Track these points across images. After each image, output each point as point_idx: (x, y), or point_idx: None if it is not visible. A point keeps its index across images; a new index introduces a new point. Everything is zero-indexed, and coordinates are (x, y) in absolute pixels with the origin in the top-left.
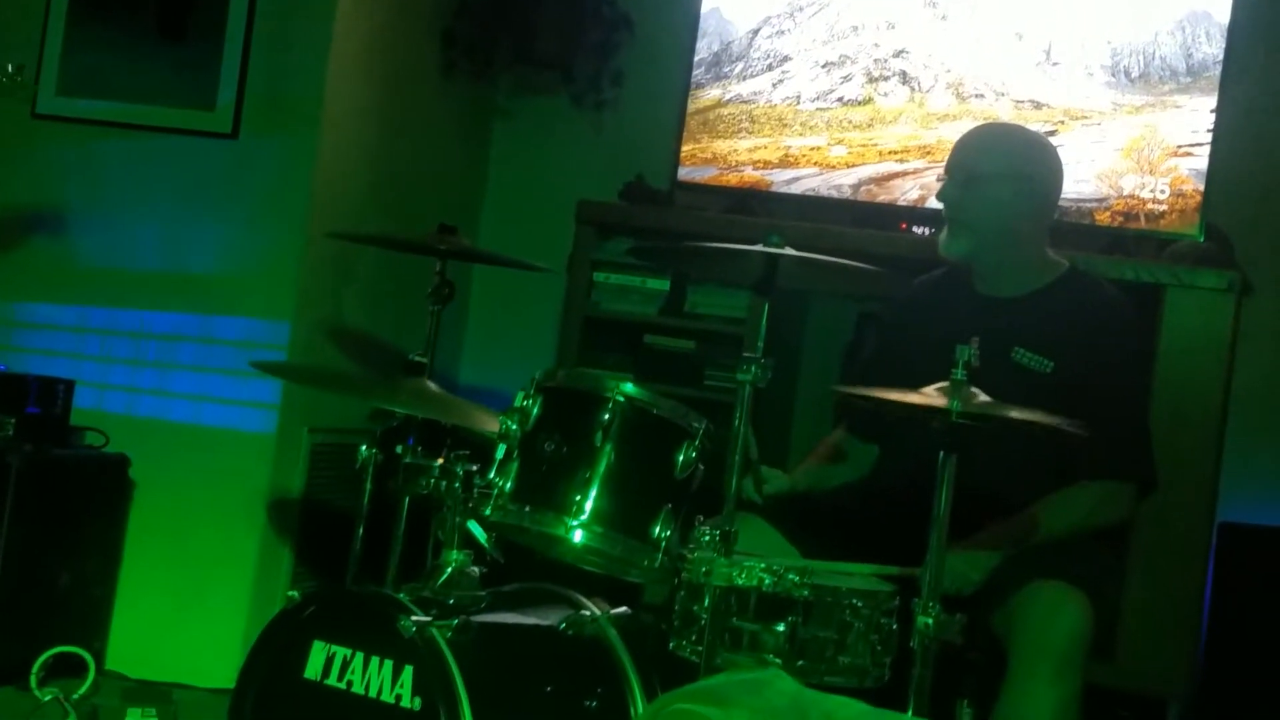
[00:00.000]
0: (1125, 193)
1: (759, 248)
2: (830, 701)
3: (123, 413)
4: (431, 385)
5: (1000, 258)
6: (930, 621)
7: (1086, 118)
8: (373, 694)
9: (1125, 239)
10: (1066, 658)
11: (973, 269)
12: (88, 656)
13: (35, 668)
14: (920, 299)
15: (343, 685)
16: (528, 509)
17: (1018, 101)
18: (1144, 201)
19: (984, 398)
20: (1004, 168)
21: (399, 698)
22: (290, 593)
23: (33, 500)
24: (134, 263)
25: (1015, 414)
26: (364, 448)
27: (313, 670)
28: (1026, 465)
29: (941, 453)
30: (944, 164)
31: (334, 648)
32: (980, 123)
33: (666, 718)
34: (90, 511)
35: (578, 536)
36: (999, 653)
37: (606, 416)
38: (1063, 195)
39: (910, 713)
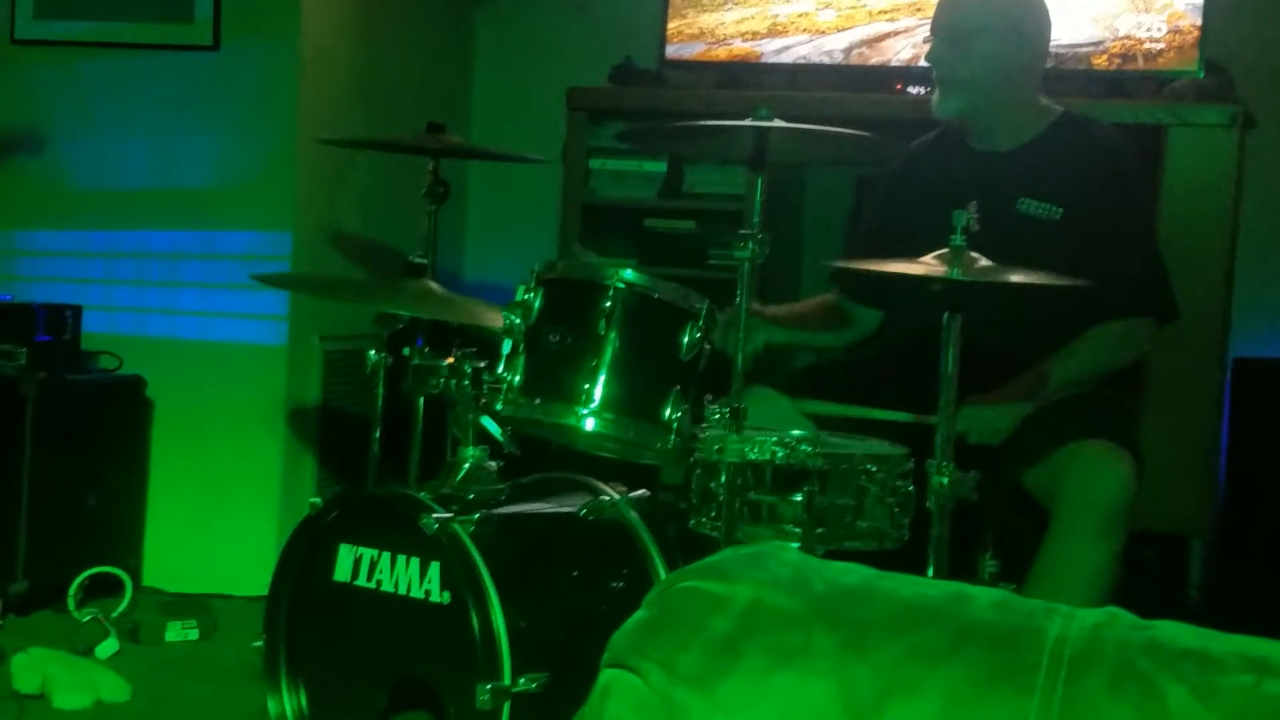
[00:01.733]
0: (1121, 34)
1: (748, 123)
2: (833, 568)
3: (134, 334)
4: (434, 285)
5: (995, 112)
6: (945, 480)
7: None
8: (402, 591)
9: (1124, 81)
10: (1111, 516)
11: (968, 126)
12: (123, 575)
13: (72, 589)
14: (917, 162)
15: (373, 585)
16: (538, 401)
17: None
18: (1141, 41)
19: (984, 262)
20: (990, 20)
21: (428, 593)
22: (312, 499)
23: (52, 427)
24: (129, 183)
25: (1016, 278)
26: (372, 353)
27: (342, 572)
28: (1041, 316)
29: (945, 314)
30: (931, 23)
31: (360, 549)
32: None
33: (672, 596)
34: (111, 433)
35: (589, 424)
36: (1032, 508)
37: (608, 304)
38: (1059, 41)
39: (931, 570)
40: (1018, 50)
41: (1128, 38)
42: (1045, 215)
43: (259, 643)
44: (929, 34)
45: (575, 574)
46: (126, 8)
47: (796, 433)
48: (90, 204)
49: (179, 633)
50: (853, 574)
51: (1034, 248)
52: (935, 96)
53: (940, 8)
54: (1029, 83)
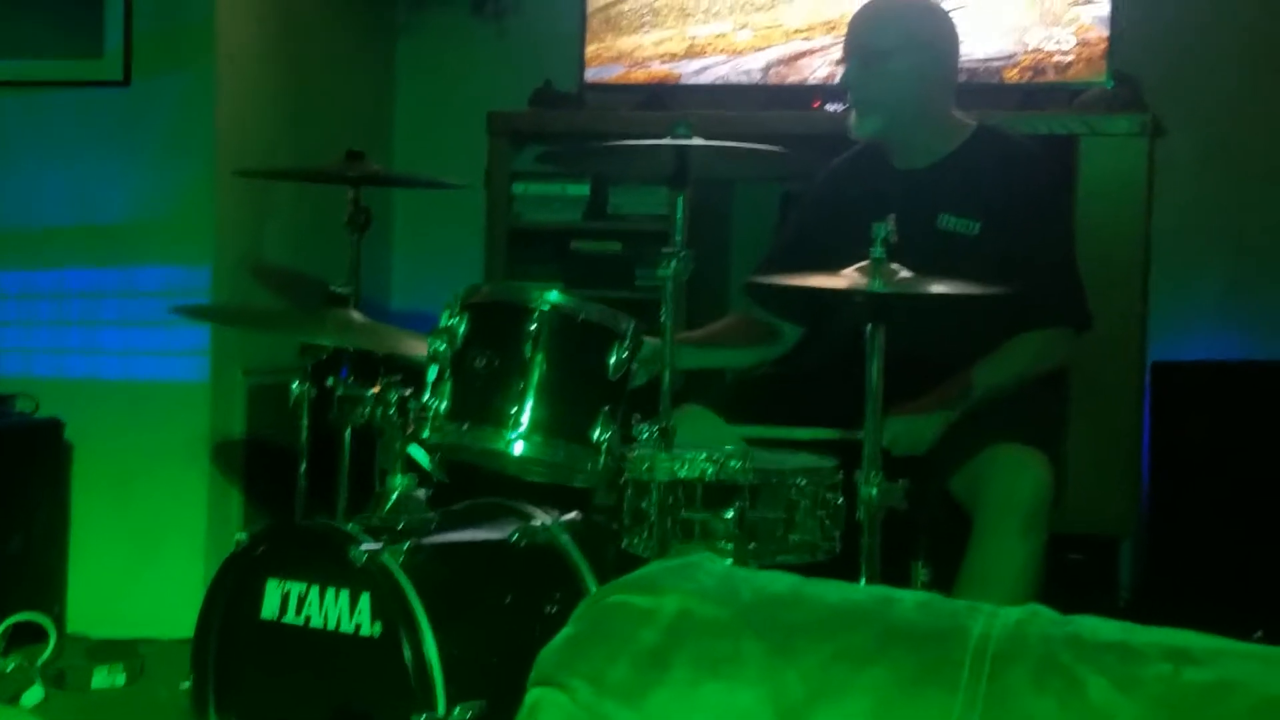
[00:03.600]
0: (1031, 47)
1: (667, 141)
2: (760, 577)
3: (51, 376)
4: (357, 315)
5: (912, 130)
6: (874, 491)
7: None
8: (332, 626)
9: (1036, 93)
10: (1032, 515)
11: (887, 144)
12: (47, 622)
13: None
14: (838, 179)
15: (301, 621)
16: (465, 427)
17: None
18: (1050, 54)
19: (905, 273)
20: (901, 40)
21: (358, 626)
22: (238, 535)
23: None
24: (44, 221)
25: (936, 288)
26: (295, 385)
27: (269, 609)
28: (962, 327)
29: (869, 325)
30: (843, 47)
31: (288, 584)
32: None
33: (599, 610)
34: (31, 478)
35: (518, 448)
36: (960, 514)
37: (534, 326)
38: (972, 55)
39: (863, 580)
40: (931, 67)
41: (1038, 51)
42: (964, 230)
43: (187, 684)
44: (842, 57)
45: (508, 600)
46: (32, 45)
47: (726, 448)
48: (4, 245)
49: (106, 678)
50: (780, 581)
51: (955, 263)
52: (852, 118)
53: (852, 31)
54: (943, 98)
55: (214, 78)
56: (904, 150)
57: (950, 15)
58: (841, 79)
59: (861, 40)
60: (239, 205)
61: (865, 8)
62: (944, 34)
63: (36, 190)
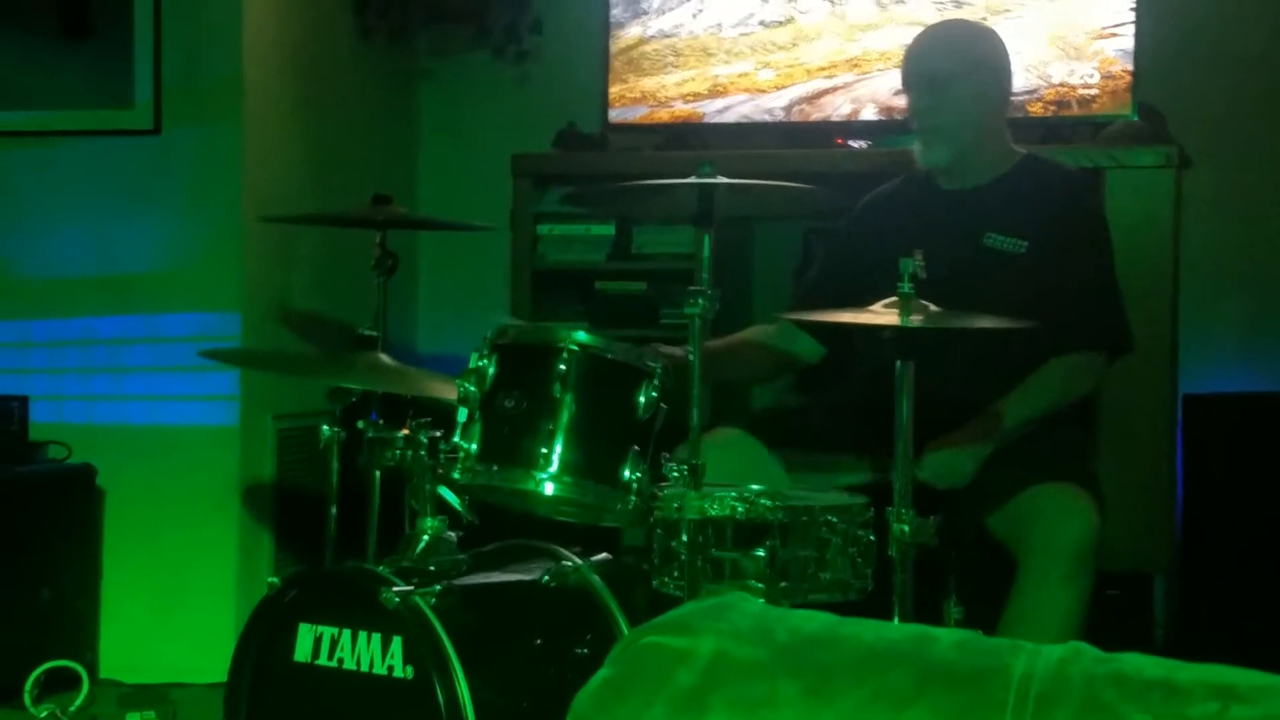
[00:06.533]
0: (1055, 81)
1: (691, 180)
2: (795, 616)
3: (82, 422)
4: (385, 358)
5: (975, 153)
6: (906, 528)
7: (1008, 10)
8: (364, 668)
9: (1060, 127)
10: (1080, 559)
11: (942, 169)
12: (79, 669)
13: (28, 685)
14: (882, 204)
15: (334, 664)
16: (495, 468)
17: (938, 2)
18: (1074, 88)
19: (934, 309)
20: (963, 63)
21: (391, 669)
22: (270, 579)
23: (1, 520)
24: (72, 270)
25: (965, 323)
26: (325, 428)
27: (302, 653)
28: (997, 350)
29: (899, 361)
30: (902, 79)
31: (320, 628)
32: (916, 29)
33: (634, 653)
34: (62, 525)
35: (548, 489)
36: (998, 553)
37: (562, 367)
38: None
39: (896, 618)
40: (991, 88)
41: (1062, 85)
42: (1011, 249)
43: None
44: (902, 87)
45: (539, 642)
46: (62, 95)
47: (755, 486)
48: (33, 294)
49: None
50: (815, 621)
51: (999, 281)
52: (918, 148)
53: (910, 61)
54: (1002, 118)
55: (241, 126)
56: (960, 173)
57: (1001, 38)
58: (909, 110)
59: (923, 68)
60: (267, 251)
61: (922, 37)
62: (1000, 53)
63: (66, 239)
